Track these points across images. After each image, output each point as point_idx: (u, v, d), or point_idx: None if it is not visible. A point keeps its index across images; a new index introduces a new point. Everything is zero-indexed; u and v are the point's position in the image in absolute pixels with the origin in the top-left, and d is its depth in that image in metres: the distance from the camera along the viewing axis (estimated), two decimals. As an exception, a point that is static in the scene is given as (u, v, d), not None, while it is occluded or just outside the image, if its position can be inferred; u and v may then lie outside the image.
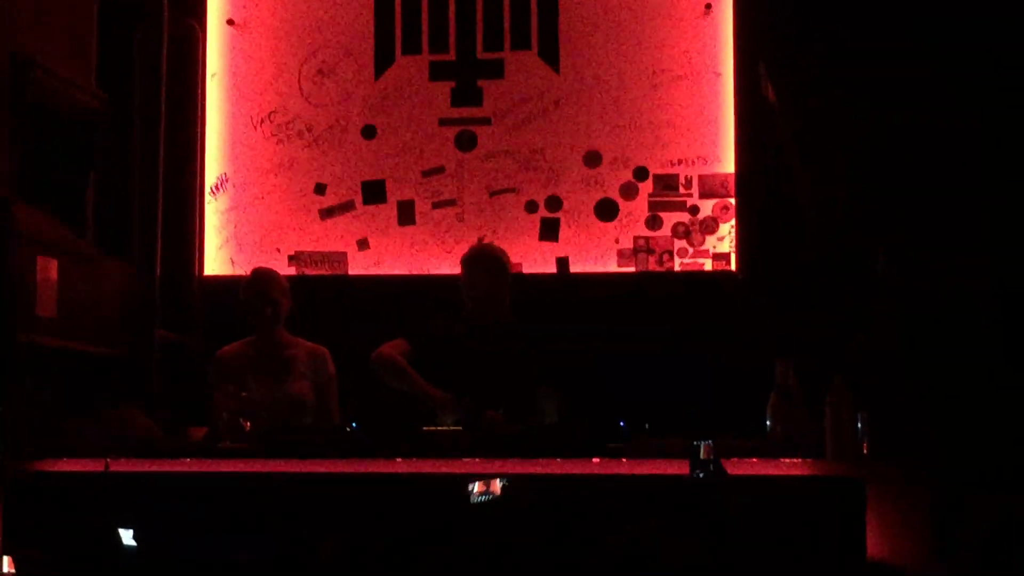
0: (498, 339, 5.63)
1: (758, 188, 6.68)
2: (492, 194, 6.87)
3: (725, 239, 6.73)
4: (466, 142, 6.90)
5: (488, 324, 5.67)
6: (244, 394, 5.16)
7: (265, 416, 5.24)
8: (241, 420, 4.99)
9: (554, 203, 6.83)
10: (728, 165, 6.74)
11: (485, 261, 5.74)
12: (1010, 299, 6.06)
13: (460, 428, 4.87)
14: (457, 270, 6.29)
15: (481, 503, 4.38)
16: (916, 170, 6.30)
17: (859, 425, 4.42)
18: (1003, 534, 4.36)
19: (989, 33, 6.26)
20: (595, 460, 4.45)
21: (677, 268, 6.76)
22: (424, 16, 6.96)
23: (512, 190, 6.86)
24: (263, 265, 6.23)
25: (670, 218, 6.77)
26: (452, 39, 6.95)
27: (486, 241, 6.72)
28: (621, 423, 4.59)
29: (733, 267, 6.72)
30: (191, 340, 6.78)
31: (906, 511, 4.28)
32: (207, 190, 6.99)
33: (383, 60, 6.98)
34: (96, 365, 6.13)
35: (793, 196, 6.55)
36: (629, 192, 6.79)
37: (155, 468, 4.64)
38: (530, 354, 5.61)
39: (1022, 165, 6.18)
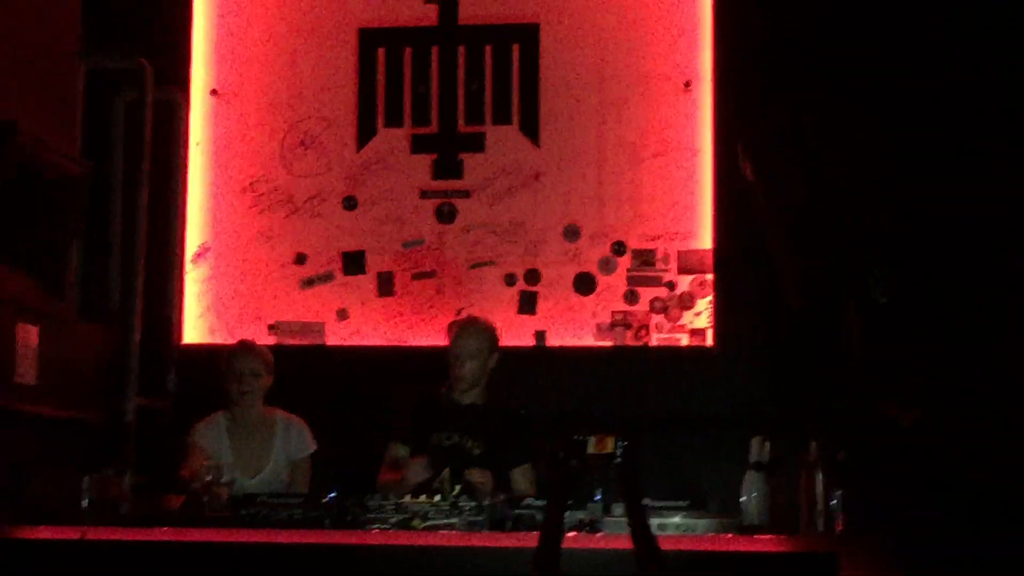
0: (471, 426, 5.58)
1: (736, 264, 6.72)
2: (472, 266, 6.91)
3: (702, 314, 6.77)
4: (446, 214, 6.94)
5: (466, 405, 5.65)
6: (220, 463, 5.16)
7: (239, 487, 5.25)
8: (217, 489, 4.98)
9: (533, 276, 6.86)
10: (706, 241, 6.79)
11: (464, 333, 5.67)
12: (993, 369, 6.08)
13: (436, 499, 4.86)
14: (435, 341, 6.33)
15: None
16: (896, 247, 6.34)
17: (834, 502, 4.45)
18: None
19: (963, 87, 6.34)
20: (571, 534, 4.46)
21: (654, 343, 6.78)
22: (407, 89, 7.03)
23: (491, 263, 6.90)
24: (245, 336, 6.25)
25: (648, 293, 6.82)
26: (434, 112, 7.01)
27: (464, 313, 6.75)
28: (597, 497, 4.60)
29: (710, 342, 6.75)
30: (168, 407, 6.78)
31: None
32: (188, 258, 7.01)
33: (365, 132, 7.03)
34: (73, 431, 6.12)
35: (771, 272, 6.59)
36: (607, 266, 6.84)
37: (131, 537, 4.64)
38: (503, 440, 5.57)
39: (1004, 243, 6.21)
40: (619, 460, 4.05)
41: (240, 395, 5.79)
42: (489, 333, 5.71)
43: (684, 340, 6.78)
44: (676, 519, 4.56)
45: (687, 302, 6.79)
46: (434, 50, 7.03)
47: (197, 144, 7.07)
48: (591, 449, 4.06)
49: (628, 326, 6.81)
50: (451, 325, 5.83)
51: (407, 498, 4.70)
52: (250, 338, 6.17)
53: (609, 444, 4.07)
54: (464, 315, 6.56)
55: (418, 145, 6.99)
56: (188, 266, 7.00)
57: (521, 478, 5.52)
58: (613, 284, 6.84)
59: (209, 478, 4.99)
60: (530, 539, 4.17)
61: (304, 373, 6.59)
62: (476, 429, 5.56)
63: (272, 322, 6.93)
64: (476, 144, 6.98)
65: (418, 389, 5.78)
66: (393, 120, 7.03)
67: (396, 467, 5.49)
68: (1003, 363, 5.84)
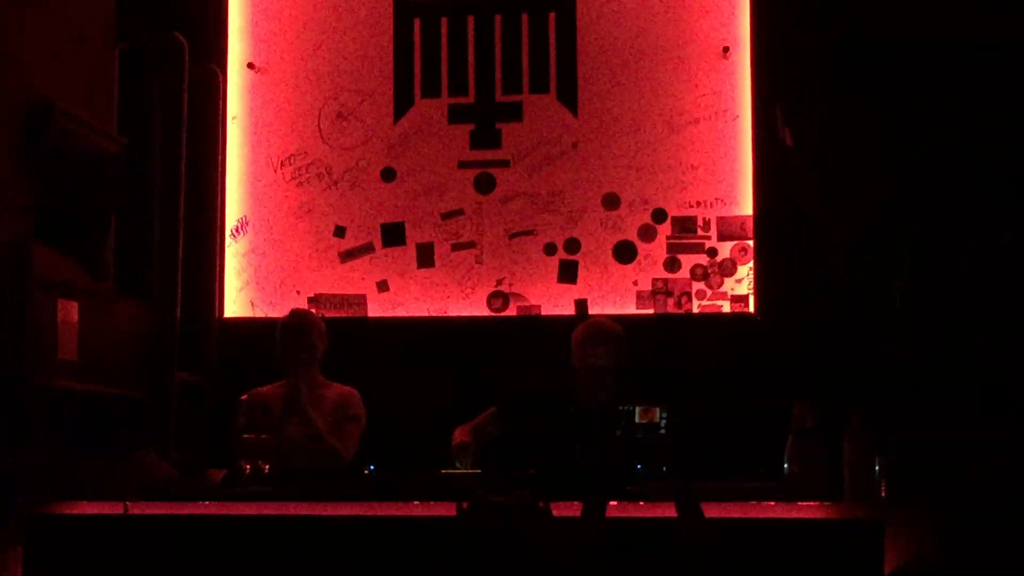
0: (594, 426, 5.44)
1: (777, 230, 6.67)
2: (511, 236, 6.88)
3: (743, 281, 6.73)
4: (485, 184, 6.92)
5: (589, 410, 5.41)
6: (264, 436, 5.16)
7: (287, 459, 5.25)
8: (260, 463, 4.98)
9: (573, 245, 6.84)
10: (746, 207, 6.74)
11: (596, 338, 5.57)
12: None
13: (478, 471, 4.86)
14: (476, 312, 6.32)
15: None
16: (936, 207, 6.30)
17: (877, 468, 4.42)
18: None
19: (1004, 65, 6.27)
20: (612, 503, 4.44)
21: (696, 310, 6.75)
22: (443, 59, 7.00)
23: (531, 232, 6.87)
24: (286, 310, 6.24)
25: (688, 260, 6.78)
26: (471, 82, 6.98)
27: (505, 284, 6.77)
28: (638, 465, 4.58)
29: (751, 309, 6.71)
30: (211, 382, 6.80)
31: (924, 552, 4.26)
32: (227, 233, 7.01)
33: (402, 103, 7.01)
34: (115, 407, 6.15)
35: (812, 238, 6.55)
36: (647, 234, 6.80)
37: (173, 511, 4.66)
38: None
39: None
40: (664, 430, 4.04)
41: (296, 363, 5.81)
42: (612, 343, 5.60)
43: (726, 307, 6.74)
44: (719, 486, 4.53)
45: (728, 269, 6.75)
46: (470, 19, 7.00)
47: (234, 119, 7.06)
48: (637, 419, 4.06)
49: (669, 294, 6.77)
50: (575, 340, 5.60)
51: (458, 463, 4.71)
52: (307, 310, 6.25)
53: (655, 414, 4.07)
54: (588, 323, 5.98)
55: (455, 115, 6.97)
56: (228, 240, 7.00)
57: None
58: (653, 252, 6.80)
59: (252, 452, 5.01)
60: (570, 508, 4.16)
61: (345, 346, 6.57)
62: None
63: (312, 295, 6.93)
64: (514, 114, 6.95)
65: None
66: (430, 91, 7.00)
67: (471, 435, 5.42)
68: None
